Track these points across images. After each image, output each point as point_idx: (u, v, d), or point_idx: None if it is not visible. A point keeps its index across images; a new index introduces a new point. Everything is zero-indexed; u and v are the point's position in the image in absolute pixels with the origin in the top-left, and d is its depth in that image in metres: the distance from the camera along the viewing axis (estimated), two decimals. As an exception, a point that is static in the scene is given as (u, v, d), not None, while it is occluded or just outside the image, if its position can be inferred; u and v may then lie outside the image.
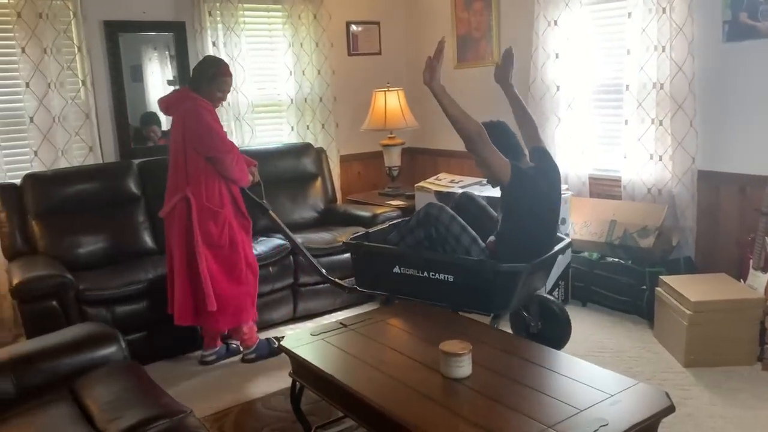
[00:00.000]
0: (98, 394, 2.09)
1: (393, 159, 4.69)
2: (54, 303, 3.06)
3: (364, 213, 4.29)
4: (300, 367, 2.40)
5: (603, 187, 4.09)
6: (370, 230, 3.44)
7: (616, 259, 3.76)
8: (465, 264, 2.82)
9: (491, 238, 2.97)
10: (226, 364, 3.41)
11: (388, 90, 4.58)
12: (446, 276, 2.85)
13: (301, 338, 2.50)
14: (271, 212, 3.47)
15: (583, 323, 3.67)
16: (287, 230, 3.50)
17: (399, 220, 3.62)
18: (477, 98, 4.79)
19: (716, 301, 3.05)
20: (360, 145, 5.02)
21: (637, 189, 3.82)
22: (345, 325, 2.60)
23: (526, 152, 3.00)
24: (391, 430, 1.91)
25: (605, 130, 4.10)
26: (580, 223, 3.94)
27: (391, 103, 4.55)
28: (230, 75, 3.29)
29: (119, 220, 3.75)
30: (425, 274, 2.91)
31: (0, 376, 2.14)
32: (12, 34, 3.68)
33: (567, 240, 3.11)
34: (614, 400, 1.90)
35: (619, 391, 1.95)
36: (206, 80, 3.20)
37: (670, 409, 1.88)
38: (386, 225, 3.55)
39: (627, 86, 3.78)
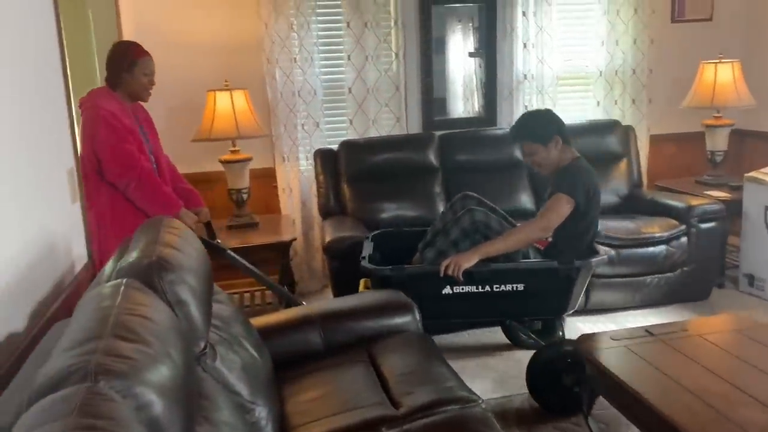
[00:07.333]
0: (393, 363, 2.14)
1: (717, 142, 4.03)
2: (358, 263, 3.25)
3: (677, 203, 3.74)
4: (598, 373, 2.16)
5: None
6: (364, 255, 2.85)
7: None
8: (548, 268, 2.63)
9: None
10: (510, 351, 3.28)
11: (720, 62, 3.92)
12: (514, 286, 2.61)
13: (600, 341, 2.26)
14: (228, 251, 2.98)
15: None
16: (250, 266, 3.02)
17: (378, 231, 3.23)
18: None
19: None
20: (676, 125, 4.43)
21: None
22: (652, 334, 2.28)
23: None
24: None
25: None
26: None
27: (722, 76, 3.89)
28: (148, 54, 2.80)
29: (417, 190, 3.86)
30: (486, 288, 2.61)
31: (311, 330, 2.32)
32: (339, 10, 3.97)
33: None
34: None
35: None
36: (126, 70, 2.73)
37: None
38: (368, 237, 3.09)
39: None
